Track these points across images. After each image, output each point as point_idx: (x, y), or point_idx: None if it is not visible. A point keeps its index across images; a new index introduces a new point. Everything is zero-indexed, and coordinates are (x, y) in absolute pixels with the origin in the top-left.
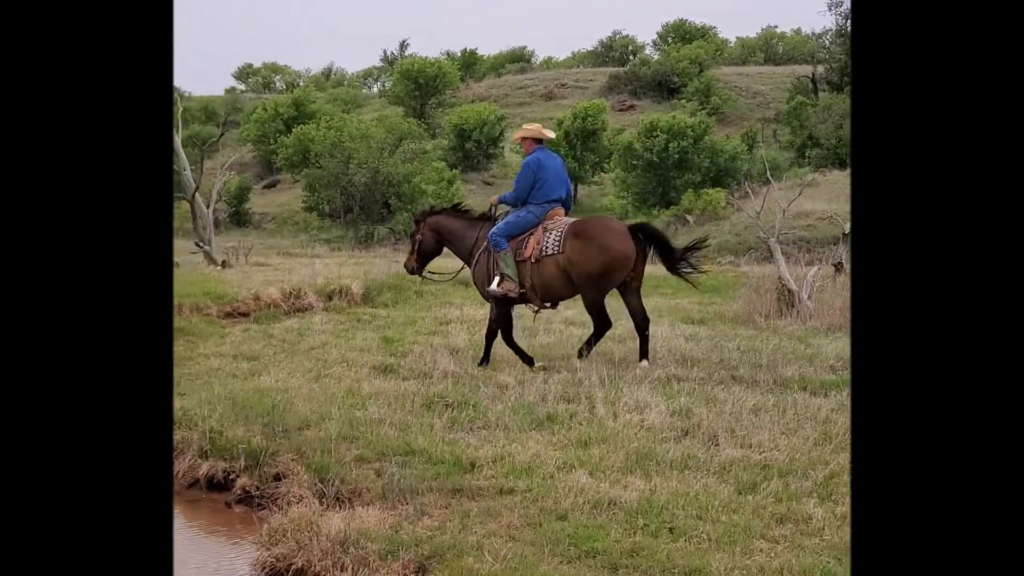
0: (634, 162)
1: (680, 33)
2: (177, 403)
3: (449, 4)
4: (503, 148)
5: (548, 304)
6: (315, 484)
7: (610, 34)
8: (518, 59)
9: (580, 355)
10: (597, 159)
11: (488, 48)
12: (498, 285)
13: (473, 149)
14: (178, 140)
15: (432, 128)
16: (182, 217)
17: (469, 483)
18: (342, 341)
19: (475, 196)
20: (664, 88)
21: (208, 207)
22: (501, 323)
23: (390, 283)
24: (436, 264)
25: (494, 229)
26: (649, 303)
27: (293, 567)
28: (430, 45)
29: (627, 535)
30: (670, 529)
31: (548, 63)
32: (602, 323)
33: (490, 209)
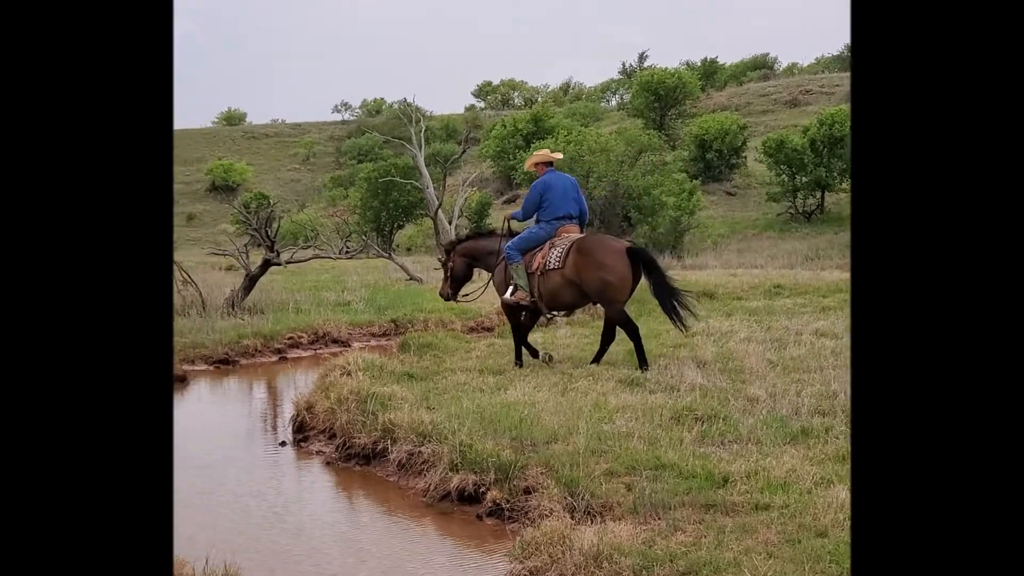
0: None
1: None
2: (427, 417)
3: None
4: (745, 158)
5: (556, 312)
6: (565, 498)
7: None
8: (760, 66)
9: (596, 360)
10: (844, 166)
11: (729, 56)
12: (511, 294)
13: (714, 159)
14: (421, 158)
15: (672, 139)
16: (425, 233)
17: (722, 498)
18: (587, 355)
19: (717, 207)
20: None
21: (450, 223)
22: (513, 324)
23: (633, 296)
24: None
25: (509, 244)
26: None
27: None
28: (669, 56)
29: None
30: None
31: (792, 69)
32: (632, 329)
33: (504, 224)
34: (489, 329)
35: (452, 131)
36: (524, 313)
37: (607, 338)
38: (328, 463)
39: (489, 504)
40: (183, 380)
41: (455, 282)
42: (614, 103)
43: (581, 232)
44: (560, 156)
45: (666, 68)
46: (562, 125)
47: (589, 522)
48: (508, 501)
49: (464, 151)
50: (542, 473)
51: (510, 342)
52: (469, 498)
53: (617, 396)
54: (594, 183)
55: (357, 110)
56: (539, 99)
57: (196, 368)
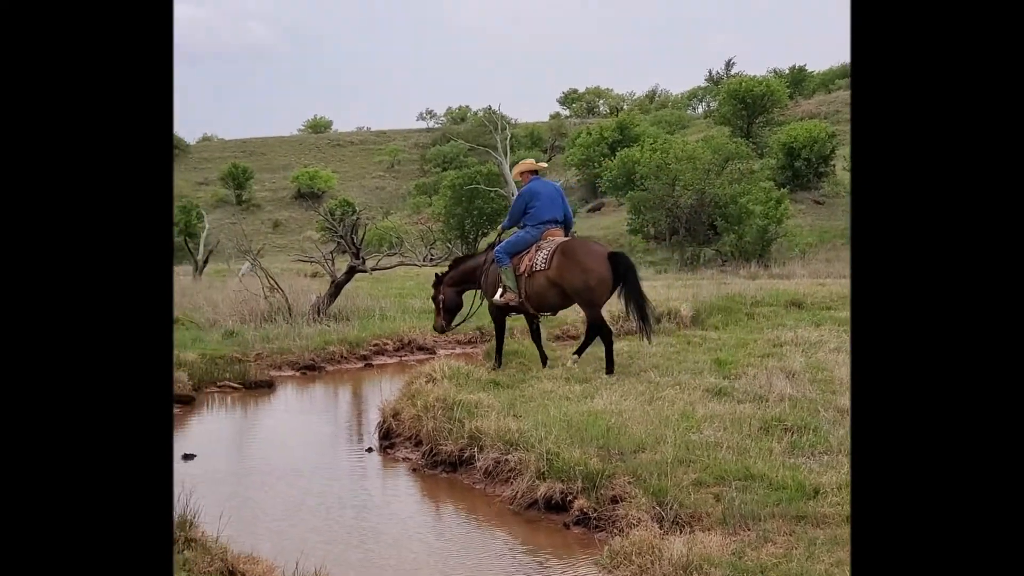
0: None
1: None
2: (514, 425)
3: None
4: (834, 166)
5: (543, 312)
6: (653, 507)
7: None
8: (850, 74)
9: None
10: None
11: (818, 64)
12: (501, 295)
13: (803, 168)
14: (505, 166)
15: (760, 147)
16: None
17: (813, 510)
18: (673, 364)
19: (804, 216)
20: None
21: None
22: (499, 328)
23: (720, 305)
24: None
25: (497, 248)
26: None
27: None
28: (757, 63)
29: None
30: None
31: None
32: (607, 333)
33: (499, 237)
34: (575, 337)
35: (537, 139)
36: (524, 317)
37: (590, 336)
38: (414, 470)
39: (576, 513)
40: (270, 386)
41: (447, 313)
42: (700, 111)
43: (565, 236)
44: (545, 166)
45: (754, 76)
46: (648, 133)
47: (678, 532)
48: (595, 510)
49: (549, 159)
50: (630, 482)
51: (596, 350)
52: (556, 507)
53: (705, 405)
54: (680, 191)
55: (442, 118)
56: (625, 107)
57: (283, 374)
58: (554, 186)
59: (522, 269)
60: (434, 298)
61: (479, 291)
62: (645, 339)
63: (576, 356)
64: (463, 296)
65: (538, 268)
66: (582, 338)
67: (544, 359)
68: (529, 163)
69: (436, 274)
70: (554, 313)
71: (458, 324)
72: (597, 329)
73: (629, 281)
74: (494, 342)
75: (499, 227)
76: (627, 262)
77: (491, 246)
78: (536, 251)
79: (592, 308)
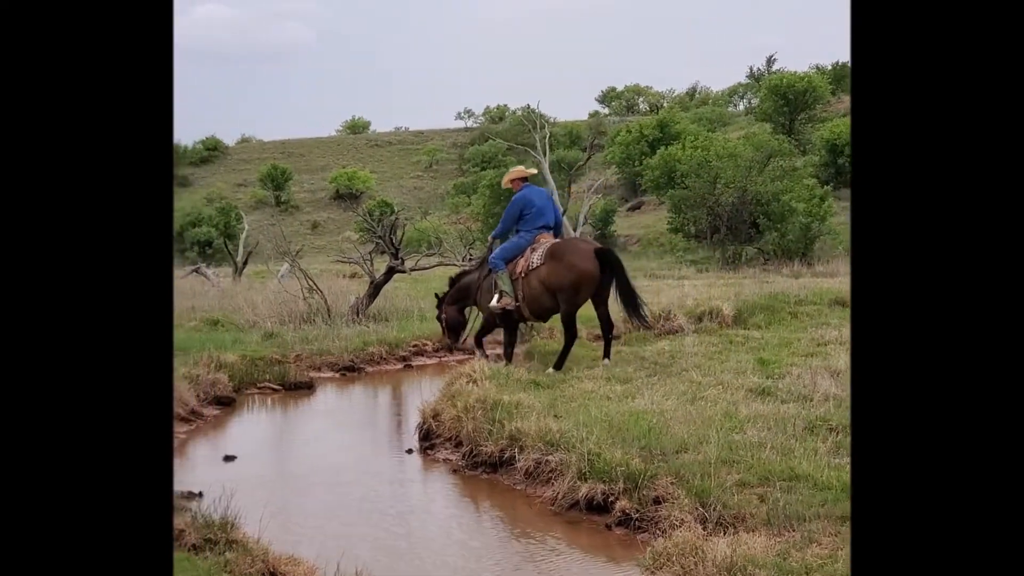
0: None
1: None
2: (554, 425)
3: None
4: None
5: (536, 319)
6: (696, 508)
7: None
8: None
9: (556, 367)
10: None
11: None
12: (498, 301)
13: (846, 165)
14: (545, 165)
15: (802, 144)
16: None
17: None
18: (715, 363)
19: (847, 213)
20: None
21: (575, 230)
22: (485, 327)
23: (762, 304)
24: None
25: (492, 255)
26: None
27: None
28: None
29: None
30: None
31: None
32: (572, 335)
33: (490, 248)
34: (615, 337)
35: (576, 137)
36: (505, 330)
37: (606, 329)
38: (455, 471)
39: (618, 514)
40: (310, 387)
41: (451, 331)
42: (742, 108)
43: (555, 238)
44: (535, 172)
45: (795, 71)
46: (688, 130)
47: (721, 533)
48: (638, 511)
49: (588, 157)
50: (672, 483)
51: (637, 349)
52: (598, 507)
53: (748, 406)
54: (721, 189)
55: (480, 117)
56: (665, 104)
57: (322, 375)
58: (545, 192)
59: (519, 271)
60: (438, 318)
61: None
62: (641, 328)
63: (606, 360)
64: (465, 312)
65: (533, 267)
66: (621, 336)
67: (509, 359)
68: (520, 171)
69: (436, 295)
70: (546, 320)
71: (465, 338)
72: (610, 321)
73: (617, 275)
74: (533, 342)
75: (489, 236)
76: (614, 257)
77: (483, 261)
78: (531, 252)
79: (571, 303)
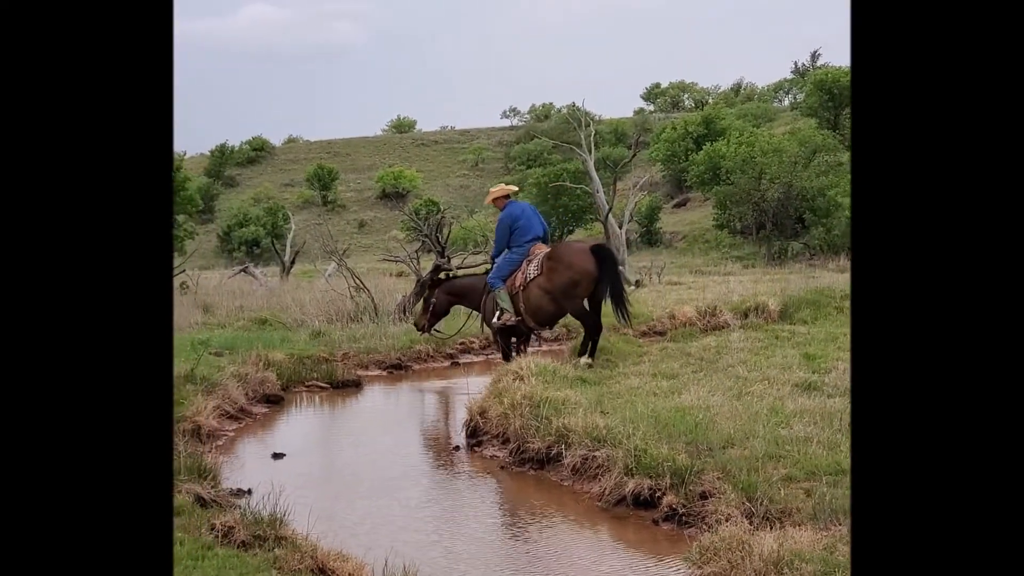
0: None
1: None
2: (601, 421)
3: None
4: None
5: (542, 326)
6: (743, 503)
7: None
8: None
9: (581, 355)
10: None
11: None
12: (498, 319)
13: None
14: (591, 162)
15: (847, 139)
16: (595, 238)
17: None
18: (761, 359)
19: None
20: None
21: (620, 227)
22: (503, 348)
23: (808, 299)
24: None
25: (490, 275)
26: None
27: None
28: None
29: None
30: None
31: None
32: (592, 325)
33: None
34: (661, 333)
35: (621, 135)
36: (513, 340)
37: (592, 331)
38: (502, 467)
39: (665, 509)
40: (357, 385)
41: (434, 316)
42: (787, 103)
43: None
44: (515, 189)
45: (840, 66)
46: (734, 126)
47: (768, 528)
48: (684, 506)
49: (634, 155)
50: (719, 478)
51: (683, 345)
52: (644, 503)
53: (794, 400)
54: (767, 185)
55: (526, 115)
56: (710, 100)
57: (370, 373)
58: (529, 206)
59: (517, 284)
60: (426, 297)
61: (472, 310)
62: (627, 322)
63: (589, 359)
64: (452, 308)
65: (531, 278)
66: (667, 332)
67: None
68: (502, 188)
69: (438, 276)
70: (552, 326)
71: (451, 336)
72: (585, 320)
73: (611, 272)
74: (580, 340)
75: (490, 256)
76: (608, 252)
77: (487, 272)
78: (527, 264)
79: (572, 301)
